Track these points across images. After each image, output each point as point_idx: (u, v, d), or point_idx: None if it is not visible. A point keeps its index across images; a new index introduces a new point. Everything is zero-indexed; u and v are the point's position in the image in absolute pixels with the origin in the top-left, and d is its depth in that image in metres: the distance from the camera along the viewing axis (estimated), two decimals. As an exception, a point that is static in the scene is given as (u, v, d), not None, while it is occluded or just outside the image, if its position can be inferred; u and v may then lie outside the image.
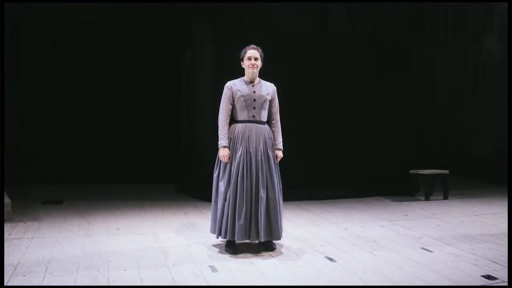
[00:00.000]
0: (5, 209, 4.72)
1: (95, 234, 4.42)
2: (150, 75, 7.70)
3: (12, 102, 7.09)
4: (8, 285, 3.02)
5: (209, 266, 3.55)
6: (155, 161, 7.65)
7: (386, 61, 7.54)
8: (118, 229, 4.66)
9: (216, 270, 3.46)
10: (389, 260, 3.80)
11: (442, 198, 6.91)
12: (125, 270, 3.40)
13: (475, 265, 3.70)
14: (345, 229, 4.93)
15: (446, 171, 7.04)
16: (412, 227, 5.05)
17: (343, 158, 7.29)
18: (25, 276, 3.22)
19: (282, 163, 6.81)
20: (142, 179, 7.43)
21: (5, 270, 3.32)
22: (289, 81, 7.00)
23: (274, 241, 4.13)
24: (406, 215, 5.75)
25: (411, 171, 7.10)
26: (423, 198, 6.90)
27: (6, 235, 4.25)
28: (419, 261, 3.76)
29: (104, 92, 7.57)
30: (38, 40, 7.37)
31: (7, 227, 4.55)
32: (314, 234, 4.65)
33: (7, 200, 4.82)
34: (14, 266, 3.42)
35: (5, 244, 3.97)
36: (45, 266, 3.43)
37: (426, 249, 4.13)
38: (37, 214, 5.20)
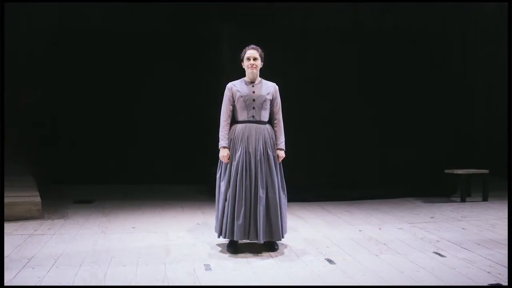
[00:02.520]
0: (35, 208, 5.07)
1: (110, 232, 4.63)
2: (174, 76, 7.90)
3: (46, 104, 7.62)
4: (16, 276, 3.25)
5: (204, 264, 3.60)
6: (181, 162, 7.85)
7: (420, 57, 7.26)
8: (133, 228, 4.85)
9: (210, 269, 3.50)
10: (393, 264, 3.65)
11: (481, 199, 6.51)
12: (124, 266, 3.54)
13: (488, 272, 3.47)
14: (360, 230, 4.79)
15: (485, 171, 6.61)
16: (434, 230, 4.81)
17: (374, 157, 7.12)
18: (33, 268, 3.44)
19: (306, 163, 6.80)
20: (168, 180, 7.63)
21: (19, 262, 3.57)
22: (314, 80, 6.97)
23: (278, 242, 4.12)
24: (432, 217, 5.48)
25: (446, 171, 6.75)
26: (459, 199, 6.54)
27: (32, 231, 4.57)
28: (424, 266, 3.59)
29: (132, 95, 7.85)
30: (61, 43, 7.75)
31: (35, 223, 4.89)
32: (324, 235, 4.57)
33: (37, 199, 5.17)
34: (28, 259, 3.67)
35: (28, 239, 4.27)
36: (54, 260, 3.65)
37: (438, 254, 3.93)
38: (66, 212, 5.51)
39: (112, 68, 7.78)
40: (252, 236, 3.90)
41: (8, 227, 4.66)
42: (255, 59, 4.03)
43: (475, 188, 6.63)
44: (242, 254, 3.89)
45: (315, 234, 4.62)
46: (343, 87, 7.06)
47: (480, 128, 8.68)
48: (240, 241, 4.05)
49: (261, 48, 4.11)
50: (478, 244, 4.22)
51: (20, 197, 5.12)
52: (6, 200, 4.96)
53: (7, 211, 4.89)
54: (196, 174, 7.51)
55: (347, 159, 7.06)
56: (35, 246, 4.05)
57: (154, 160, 7.90)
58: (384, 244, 4.26)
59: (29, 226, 4.74)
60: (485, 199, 6.50)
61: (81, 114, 7.74)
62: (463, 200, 6.44)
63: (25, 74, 7.71)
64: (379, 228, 4.89)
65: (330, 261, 3.73)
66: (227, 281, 3.26)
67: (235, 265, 3.62)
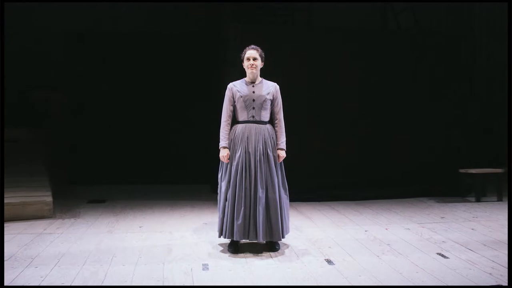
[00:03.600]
0: (46, 207, 5.21)
1: (117, 231, 4.71)
2: (186, 77, 7.97)
3: (65, 105, 7.80)
4: (19, 275, 3.36)
5: (203, 264, 3.63)
6: (195, 162, 7.91)
7: (438, 56, 7.13)
8: (140, 227, 4.92)
9: (207, 269, 3.53)
10: (392, 265, 3.60)
11: (496, 199, 6.34)
12: (123, 265, 3.59)
13: (489, 273, 3.38)
14: (366, 231, 4.73)
15: (500, 170, 6.42)
16: (441, 230, 4.72)
17: (388, 157, 7.02)
18: (36, 267, 3.54)
19: (319, 163, 6.75)
20: (181, 180, 7.70)
21: (24, 261, 3.68)
22: (332, 79, 6.92)
23: (280, 241, 4.13)
24: (442, 217, 5.37)
25: (460, 170, 6.59)
26: (474, 199, 6.38)
27: (41, 230, 4.69)
28: (425, 267, 3.52)
29: (145, 98, 7.97)
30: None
31: (46, 223, 5.02)
32: (328, 235, 4.54)
33: (48, 199, 5.30)
34: (32, 258, 3.77)
35: (36, 238, 4.39)
36: (58, 259, 3.74)
37: (441, 255, 3.85)
38: (77, 212, 5.64)
39: (125, 70, 7.92)
40: (252, 236, 3.90)
41: (18, 226, 4.82)
42: (254, 59, 4.03)
43: (492, 188, 6.45)
44: (242, 254, 3.90)
45: (320, 234, 4.60)
46: (357, 86, 7.00)
47: (496, 127, 8.44)
48: (242, 241, 4.08)
49: (261, 48, 4.12)
50: (485, 245, 4.11)
51: (32, 197, 5.27)
52: (18, 200, 5.14)
53: (19, 211, 5.07)
54: (209, 174, 7.55)
55: (361, 159, 6.99)
56: (41, 245, 4.16)
57: (167, 160, 8.00)
58: (388, 244, 4.20)
59: (39, 226, 4.87)
60: (499, 199, 6.32)
61: (97, 115, 7.91)
62: (477, 200, 6.28)
63: (44, 74, 7.95)
64: (386, 229, 4.82)
65: (329, 261, 3.70)
66: (221, 281, 3.28)
67: (233, 265, 3.64)
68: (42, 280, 3.24)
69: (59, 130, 7.90)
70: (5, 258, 3.72)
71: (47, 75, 8.01)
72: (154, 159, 8.04)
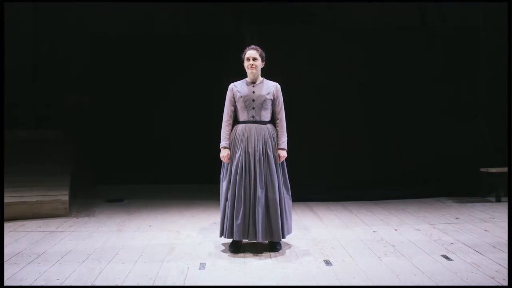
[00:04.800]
0: (62, 206, 5.38)
1: (126, 230, 4.81)
2: (204, 79, 8.02)
3: (90, 107, 8.03)
4: (20, 270, 3.49)
5: (200, 263, 3.66)
6: (215, 162, 7.95)
7: (455, 53, 6.88)
8: (150, 226, 5.00)
9: (204, 268, 3.55)
10: (391, 267, 3.51)
11: (519, 199, 6.07)
12: (123, 263, 3.67)
13: (492, 277, 3.25)
14: (374, 231, 4.64)
15: (524, 169, 6.13)
16: (452, 231, 4.56)
17: (408, 155, 6.84)
18: (39, 263, 3.66)
19: (339, 162, 6.66)
20: (201, 179, 7.76)
21: (29, 257, 3.82)
22: (349, 78, 6.82)
23: (283, 241, 4.12)
24: (457, 218, 5.19)
25: (481, 169, 6.34)
26: (494, 199, 6.12)
27: (53, 228, 4.86)
28: (425, 270, 3.42)
29: (166, 99, 8.08)
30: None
31: (60, 221, 5.19)
32: (334, 236, 4.48)
33: (64, 198, 5.48)
34: (38, 254, 3.90)
35: (47, 236, 4.55)
36: (62, 256, 3.86)
37: (446, 257, 3.72)
38: (93, 211, 5.80)
39: (144, 71, 8.07)
40: (251, 236, 3.90)
41: (33, 224, 5.01)
42: (254, 59, 4.03)
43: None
44: (241, 254, 3.91)
45: (325, 234, 4.54)
46: (375, 85, 6.86)
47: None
48: (245, 241, 4.09)
49: (261, 48, 4.11)
50: (494, 247, 3.95)
51: (49, 195, 5.45)
52: (35, 198, 5.35)
53: (35, 209, 5.27)
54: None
55: (379, 157, 6.84)
56: (51, 242, 4.30)
57: (189, 159, 8.09)
58: (393, 246, 4.10)
59: (53, 224, 5.04)
60: (522, 198, 6.05)
61: (120, 118, 8.09)
62: (498, 200, 6.04)
63: (70, 78, 8.22)
64: (395, 229, 4.71)
65: (327, 262, 3.65)
66: (214, 280, 3.30)
67: (230, 264, 3.65)
68: (39, 276, 3.35)
69: (85, 131, 8.14)
70: (12, 254, 3.88)
71: (73, 78, 8.26)
72: (175, 159, 8.15)
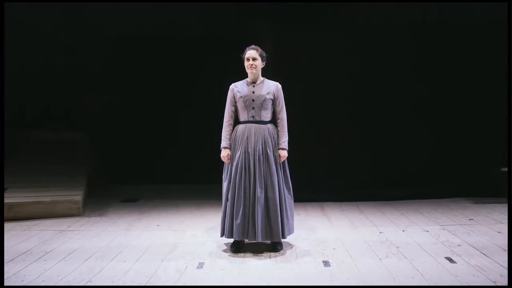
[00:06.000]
0: (75, 206, 5.53)
1: (134, 229, 4.89)
2: (218, 80, 8.03)
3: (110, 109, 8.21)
4: (25, 267, 3.62)
5: (199, 262, 3.69)
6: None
7: (458, 53, 6.67)
8: (158, 225, 5.07)
9: (201, 267, 3.58)
10: (390, 269, 3.44)
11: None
12: (124, 261, 3.74)
13: (494, 282, 3.13)
14: (380, 232, 4.55)
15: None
16: (462, 232, 4.43)
17: (423, 155, 6.69)
18: (45, 261, 3.77)
19: (358, 162, 6.58)
20: (216, 179, 7.81)
21: (36, 255, 3.94)
22: (361, 77, 6.72)
23: (285, 242, 4.11)
24: (471, 219, 5.02)
25: (502, 169, 6.11)
26: (517, 200, 5.89)
27: (65, 227, 5.00)
28: (424, 272, 3.34)
29: (183, 99, 8.17)
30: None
31: (72, 221, 5.33)
32: (338, 237, 4.42)
33: (77, 198, 5.62)
34: (45, 252, 4.03)
35: (58, 234, 4.68)
36: (67, 254, 3.97)
37: (450, 259, 3.62)
38: (106, 210, 5.92)
39: (159, 73, 8.15)
40: (251, 236, 3.90)
41: (47, 223, 5.16)
42: (254, 59, 4.02)
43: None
44: (242, 254, 3.92)
45: (330, 235, 4.49)
46: (391, 84, 6.73)
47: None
48: (247, 241, 4.09)
49: (261, 48, 4.10)
50: (504, 250, 3.81)
51: (63, 196, 5.61)
52: (49, 198, 5.50)
53: (50, 209, 5.43)
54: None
55: (395, 156, 6.72)
56: (60, 241, 4.42)
57: (205, 159, 8.12)
58: (397, 247, 4.01)
59: (65, 223, 5.17)
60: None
61: (137, 117, 8.22)
62: (519, 201, 5.80)
63: (92, 80, 8.43)
64: (403, 230, 4.60)
65: (326, 263, 3.62)
66: (209, 279, 3.32)
67: (228, 264, 3.66)
68: (42, 273, 3.46)
69: (103, 132, 8.32)
70: (22, 252, 4.02)
71: (96, 78, 8.43)
72: (193, 159, 8.21)
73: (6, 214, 5.30)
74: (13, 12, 6.61)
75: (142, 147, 8.23)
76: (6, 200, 5.43)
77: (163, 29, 8.13)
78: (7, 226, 5.03)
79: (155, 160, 8.20)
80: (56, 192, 5.75)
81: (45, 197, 5.55)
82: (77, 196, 5.65)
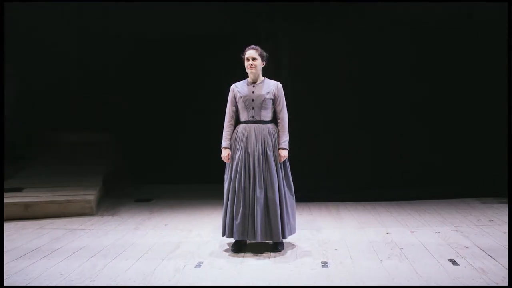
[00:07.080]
0: (87, 205, 5.66)
1: (142, 228, 4.97)
2: (231, 80, 8.06)
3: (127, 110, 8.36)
4: (32, 264, 3.73)
5: (198, 262, 3.71)
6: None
7: (470, 51, 6.47)
8: (166, 225, 5.14)
9: (199, 267, 3.60)
10: (390, 270, 3.38)
11: None
12: (126, 260, 3.80)
13: (496, 283, 3.01)
14: (387, 233, 4.47)
15: None
16: (474, 234, 4.31)
17: (423, 155, 6.53)
18: (50, 259, 3.87)
19: (369, 162, 6.48)
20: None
21: (44, 252, 4.05)
22: (361, 77, 6.63)
23: (286, 242, 4.09)
24: (479, 219, 4.90)
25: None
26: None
27: (76, 226, 5.12)
28: (423, 274, 3.26)
29: (197, 100, 8.24)
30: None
31: (84, 219, 5.45)
32: (342, 237, 4.37)
33: (90, 197, 5.76)
34: (53, 250, 4.14)
35: (68, 233, 4.79)
36: (74, 252, 4.06)
37: (453, 261, 3.52)
38: (119, 210, 6.02)
39: (171, 73, 8.23)
40: (251, 236, 3.89)
41: (60, 222, 5.29)
42: (253, 59, 4.02)
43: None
44: (242, 254, 3.92)
45: (334, 235, 4.45)
46: (391, 84, 6.60)
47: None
48: (249, 241, 4.09)
49: (261, 48, 4.09)
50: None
51: (76, 195, 5.75)
52: (64, 198, 5.66)
53: (63, 208, 5.58)
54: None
55: (407, 156, 6.58)
56: (69, 239, 4.54)
57: (216, 159, 8.18)
58: (401, 248, 3.94)
59: (77, 222, 5.29)
60: None
61: (153, 118, 8.33)
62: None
63: (112, 82, 8.59)
64: (411, 231, 4.50)
65: (324, 264, 3.58)
66: (205, 279, 3.34)
67: (226, 264, 3.67)
68: (45, 271, 3.55)
69: (121, 133, 8.48)
70: (31, 249, 4.14)
71: (112, 80, 8.59)
72: (208, 158, 8.26)
73: (22, 213, 5.48)
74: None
75: (158, 147, 8.34)
76: (22, 200, 5.62)
77: (168, 33, 8.15)
78: (23, 224, 5.21)
79: (172, 160, 8.29)
80: (71, 191, 5.91)
81: (60, 196, 5.71)
82: (90, 196, 5.78)
